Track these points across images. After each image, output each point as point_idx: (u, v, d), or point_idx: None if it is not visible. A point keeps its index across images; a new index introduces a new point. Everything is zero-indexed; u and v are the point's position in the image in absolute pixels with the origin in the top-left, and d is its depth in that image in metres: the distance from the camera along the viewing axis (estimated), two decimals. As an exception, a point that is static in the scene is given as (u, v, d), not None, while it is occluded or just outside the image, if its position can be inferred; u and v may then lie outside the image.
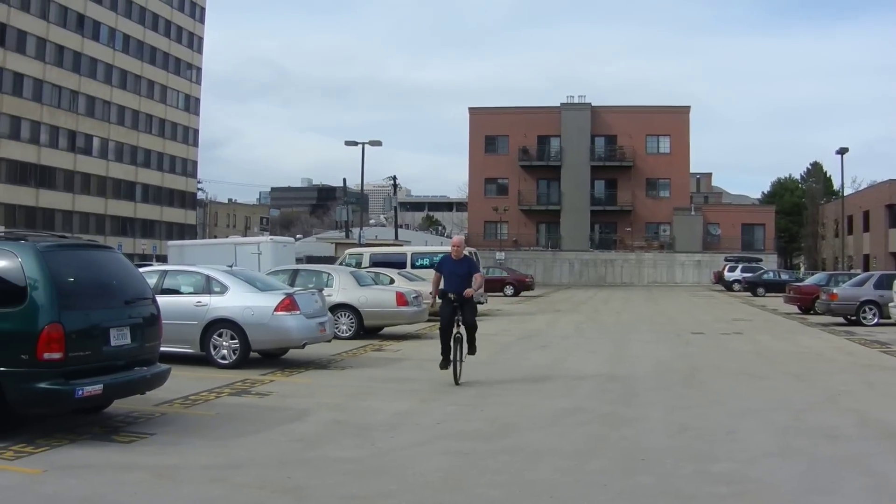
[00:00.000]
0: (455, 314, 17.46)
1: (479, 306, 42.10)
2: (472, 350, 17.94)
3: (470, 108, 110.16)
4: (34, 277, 11.44)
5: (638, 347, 25.62)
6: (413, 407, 14.76)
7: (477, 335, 17.94)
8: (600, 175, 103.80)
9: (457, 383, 17.19)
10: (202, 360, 19.59)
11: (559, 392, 16.70)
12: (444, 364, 17.51)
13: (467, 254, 18.68)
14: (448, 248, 19.41)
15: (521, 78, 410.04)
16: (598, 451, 11.40)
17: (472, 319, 17.78)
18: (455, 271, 17.63)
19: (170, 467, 10.19)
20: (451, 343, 17.41)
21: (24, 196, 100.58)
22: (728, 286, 75.16)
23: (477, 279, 17.68)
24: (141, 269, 16.41)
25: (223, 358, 19.45)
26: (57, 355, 11.17)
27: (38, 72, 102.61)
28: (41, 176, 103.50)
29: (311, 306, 20.50)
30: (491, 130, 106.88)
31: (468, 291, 17.37)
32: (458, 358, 17.41)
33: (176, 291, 20.59)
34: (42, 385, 11.12)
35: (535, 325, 35.08)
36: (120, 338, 12.30)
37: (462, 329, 17.53)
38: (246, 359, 19.52)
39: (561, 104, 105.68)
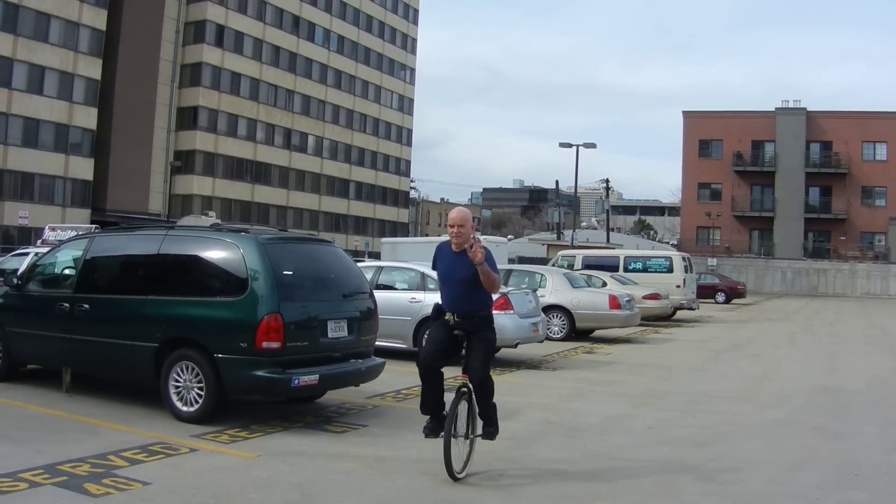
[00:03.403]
0: (453, 347, 9.91)
1: (689, 312, 41.98)
2: (488, 429, 10.12)
3: (684, 112, 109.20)
4: (255, 269, 11.83)
5: (851, 360, 24.99)
6: (624, 411, 14.71)
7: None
8: (814, 182, 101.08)
9: (455, 478, 9.48)
10: (414, 355, 19.78)
11: (771, 402, 16.38)
12: (429, 428, 9.95)
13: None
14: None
15: (736, 82, 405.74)
16: (809, 464, 11.19)
17: (482, 369, 9.73)
18: (454, 273, 9.89)
19: (381, 459, 10.36)
20: (441, 393, 9.99)
21: (240, 191, 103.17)
22: (945, 300, 72.54)
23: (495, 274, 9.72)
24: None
25: (435, 354, 19.59)
26: (275, 344, 11.50)
27: (255, 71, 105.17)
28: (257, 172, 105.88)
29: (525, 306, 20.59)
30: (705, 135, 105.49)
31: (474, 255, 9.44)
32: (456, 429, 9.66)
33: (391, 287, 20.88)
34: (259, 373, 11.49)
35: (747, 333, 34.51)
36: (337, 330, 12.58)
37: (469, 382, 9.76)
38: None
39: (776, 109, 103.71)
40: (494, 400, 10.02)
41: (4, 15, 74.28)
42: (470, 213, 10.26)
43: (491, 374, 9.95)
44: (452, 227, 9.86)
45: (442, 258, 10.07)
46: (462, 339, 9.80)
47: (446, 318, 9.90)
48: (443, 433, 9.50)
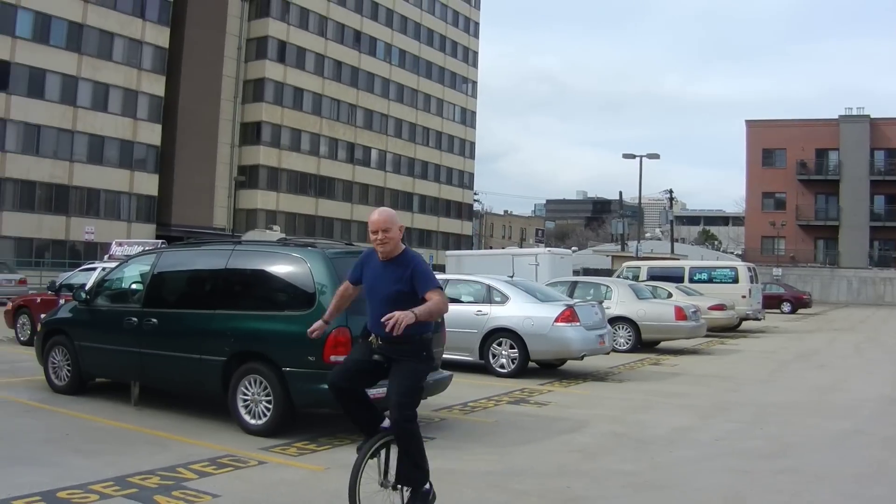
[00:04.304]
0: (374, 368, 8.14)
1: (755, 323, 41.68)
2: (403, 476, 8.00)
3: (747, 121, 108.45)
4: (323, 283, 11.90)
5: (921, 370, 24.74)
6: (692, 423, 14.59)
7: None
8: (879, 190, 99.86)
9: None
10: (480, 367, 19.81)
11: (839, 413, 16.15)
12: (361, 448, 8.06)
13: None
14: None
15: (799, 90, 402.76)
16: (879, 476, 11.03)
17: (397, 408, 7.74)
18: (378, 287, 8.15)
19: (450, 471, 10.28)
20: (367, 414, 8.29)
21: (304, 205, 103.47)
22: None
23: (433, 301, 7.75)
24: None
25: (501, 367, 19.68)
26: (343, 358, 11.47)
27: (318, 86, 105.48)
28: (320, 186, 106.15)
29: (591, 318, 20.51)
30: (768, 144, 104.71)
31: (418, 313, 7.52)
32: (384, 476, 8.07)
33: (457, 300, 20.70)
34: (327, 386, 11.45)
35: (813, 343, 34.14)
36: (403, 343, 12.52)
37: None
38: (524, 368, 19.65)
39: (839, 116, 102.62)
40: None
41: (69, 34, 75.05)
42: (394, 213, 8.24)
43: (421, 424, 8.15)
44: (375, 232, 8.01)
45: (368, 268, 8.35)
46: (384, 365, 8.03)
47: (370, 339, 8.12)
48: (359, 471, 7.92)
